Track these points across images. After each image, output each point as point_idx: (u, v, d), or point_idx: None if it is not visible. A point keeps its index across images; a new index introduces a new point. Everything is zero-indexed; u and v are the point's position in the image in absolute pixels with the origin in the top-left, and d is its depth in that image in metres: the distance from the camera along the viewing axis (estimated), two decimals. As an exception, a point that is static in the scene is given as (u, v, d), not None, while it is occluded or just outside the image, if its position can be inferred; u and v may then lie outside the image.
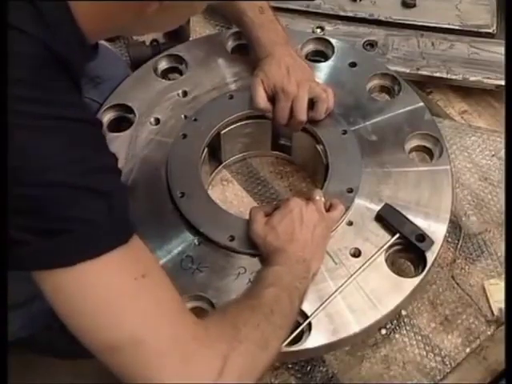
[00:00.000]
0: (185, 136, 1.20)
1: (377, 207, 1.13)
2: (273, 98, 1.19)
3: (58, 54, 0.70)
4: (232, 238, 1.08)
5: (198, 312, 1.06)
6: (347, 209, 1.11)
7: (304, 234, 1.01)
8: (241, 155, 1.38)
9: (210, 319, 0.84)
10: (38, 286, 0.71)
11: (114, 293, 0.71)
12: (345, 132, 1.21)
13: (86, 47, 0.78)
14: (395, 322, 1.16)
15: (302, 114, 1.17)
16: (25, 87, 0.67)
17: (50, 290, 0.71)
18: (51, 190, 0.67)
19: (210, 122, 1.22)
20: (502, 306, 1.16)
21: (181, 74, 1.34)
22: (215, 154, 1.30)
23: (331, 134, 1.21)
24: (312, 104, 1.18)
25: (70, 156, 0.68)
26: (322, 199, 1.08)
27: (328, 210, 1.08)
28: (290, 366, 1.13)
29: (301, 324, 1.02)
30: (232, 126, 1.27)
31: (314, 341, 1.02)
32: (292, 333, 1.01)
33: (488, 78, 1.43)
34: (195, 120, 1.22)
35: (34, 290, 0.90)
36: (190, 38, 1.55)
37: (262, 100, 1.19)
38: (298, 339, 1.02)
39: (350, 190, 1.13)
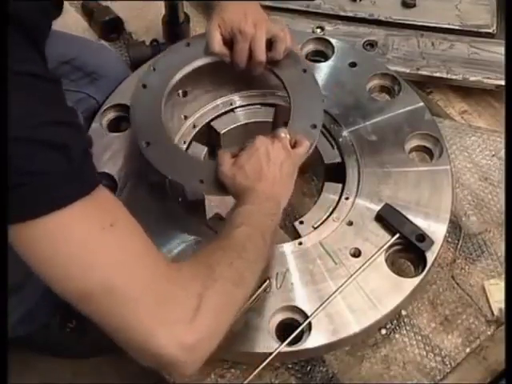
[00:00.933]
0: (145, 86, 1.18)
1: (377, 207, 1.13)
2: (231, 43, 1.17)
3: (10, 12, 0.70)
4: (201, 182, 1.07)
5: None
6: (311, 144, 1.09)
7: (272, 171, 1.01)
8: (241, 155, 1.37)
9: (182, 262, 0.84)
10: (10, 242, 0.71)
11: (81, 242, 0.71)
12: (305, 70, 1.20)
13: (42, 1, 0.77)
14: (395, 321, 1.16)
15: (261, 55, 1.15)
16: None
17: (19, 244, 0.71)
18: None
19: (168, 71, 1.20)
20: (502, 305, 1.16)
21: (181, 73, 1.34)
22: (215, 154, 1.30)
23: (291, 73, 1.19)
24: (270, 44, 1.16)
25: (22, 110, 0.68)
26: (288, 136, 1.07)
27: (293, 146, 1.07)
28: (290, 366, 1.13)
29: (301, 324, 1.02)
30: (232, 126, 1.28)
31: (313, 341, 1.02)
32: (292, 333, 1.01)
33: (488, 77, 1.43)
34: (154, 70, 1.20)
35: (25, 272, 0.91)
36: (190, 38, 1.54)
37: (217, 44, 1.16)
38: (298, 339, 1.02)
39: (314, 126, 1.12)
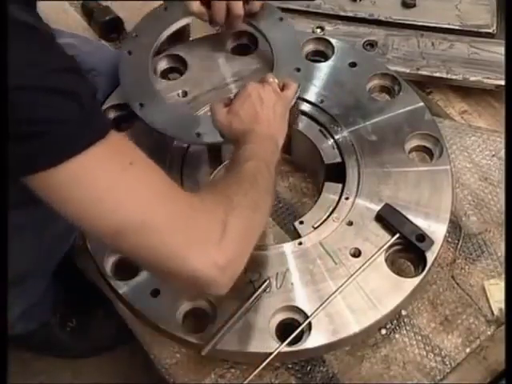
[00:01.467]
0: (130, 52, 1.23)
1: (377, 207, 1.13)
2: (207, 3, 1.20)
3: None
4: (198, 134, 1.11)
5: (198, 312, 1.07)
6: (298, 86, 1.14)
7: (266, 113, 1.05)
8: (241, 155, 1.37)
9: (202, 192, 0.88)
10: (37, 193, 0.73)
11: (105, 183, 0.73)
12: (281, 19, 1.27)
13: None
14: (395, 321, 1.16)
15: (239, 8, 1.20)
16: None
17: (45, 193, 0.73)
18: (14, 95, 0.67)
19: (150, 36, 1.25)
20: (502, 305, 1.16)
21: (181, 74, 1.34)
22: (215, 154, 1.30)
23: (269, 22, 1.26)
24: None
25: (25, 60, 0.68)
26: (276, 80, 1.11)
27: (282, 89, 1.11)
28: (290, 365, 1.13)
29: (301, 324, 1.02)
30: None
31: (314, 341, 1.02)
32: (292, 333, 1.01)
33: (488, 78, 1.43)
34: (136, 36, 1.25)
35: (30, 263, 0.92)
36: (190, 38, 1.54)
37: (195, 5, 1.20)
38: (298, 339, 1.02)
39: (298, 70, 1.20)
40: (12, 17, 0.69)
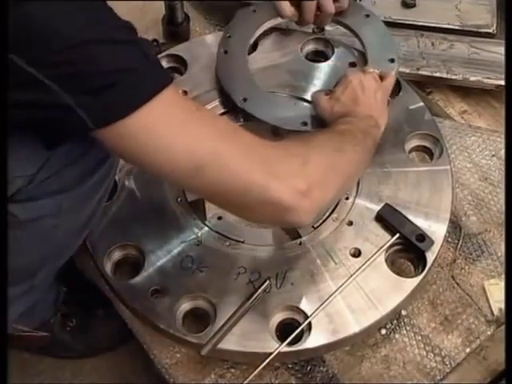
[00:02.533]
0: (226, 52, 1.30)
1: (377, 207, 1.13)
2: (297, 3, 1.24)
3: None
4: (304, 123, 1.17)
5: (198, 312, 1.07)
6: (395, 76, 1.22)
7: (367, 98, 1.10)
8: (241, 155, 1.38)
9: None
10: (108, 146, 0.75)
11: (177, 127, 0.76)
12: (367, 15, 1.33)
13: None
14: (395, 321, 1.16)
15: (330, 6, 1.24)
16: None
17: (121, 144, 0.75)
18: (82, 49, 0.68)
19: (243, 36, 1.31)
20: (502, 305, 1.16)
21: (181, 74, 1.34)
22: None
23: (357, 19, 1.32)
24: None
25: (87, 17, 0.70)
26: (376, 70, 1.18)
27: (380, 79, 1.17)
28: (290, 366, 1.13)
29: (301, 324, 1.02)
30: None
31: (314, 341, 1.02)
32: (292, 333, 1.01)
33: (488, 78, 1.43)
34: (229, 37, 1.31)
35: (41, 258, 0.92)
36: (190, 38, 1.55)
37: (287, 8, 1.23)
38: (298, 339, 1.02)
39: (392, 60, 1.26)
40: None
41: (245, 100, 1.22)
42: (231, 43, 1.31)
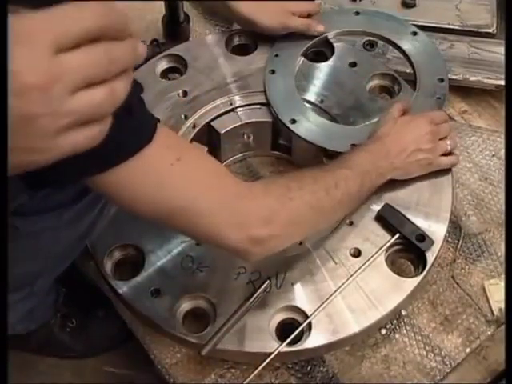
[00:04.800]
0: (273, 71, 1.30)
1: (377, 207, 1.13)
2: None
3: None
4: (354, 146, 1.14)
5: (198, 312, 1.07)
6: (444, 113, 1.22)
7: (411, 150, 1.07)
8: (241, 155, 1.38)
9: (258, 181, 0.96)
10: (98, 190, 0.78)
11: (154, 180, 0.77)
12: (415, 33, 1.33)
13: None
14: (395, 321, 1.16)
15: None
16: None
17: (98, 191, 0.78)
18: None
19: (290, 56, 1.32)
20: (502, 305, 1.16)
21: (181, 74, 1.34)
22: (215, 153, 1.30)
23: (404, 36, 1.33)
24: None
25: None
26: (448, 145, 1.13)
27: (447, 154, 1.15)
28: (290, 365, 1.13)
29: (301, 324, 1.02)
30: (232, 126, 1.28)
31: (314, 341, 1.02)
32: (292, 333, 1.01)
33: (488, 77, 1.43)
34: (277, 56, 1.32)
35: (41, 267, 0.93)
36: (190, 38, 1.55)
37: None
38: (298, 339, 1.02)
39: (441, 80, 1.26)
40: None
41: (294, 121, 1.22)
42: (278, 63, 1.31)
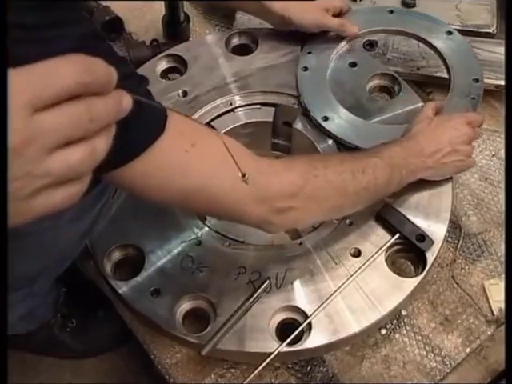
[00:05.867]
0: (306, 68, 1.30)
1: (377, 207, 1.13)
2: None
3: None
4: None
5: (198, 312, 1.07)
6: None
7: (443, 150, 1.06)
8: (241, 155, 1.37)
9: (279, 159, 0.94)
10: (114, 184, 0.81)
11: (170, 169, 0.77)
12: (450, 32, 1.34)
13: None
14: (395, 321, 1.16)
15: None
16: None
17: (115, 185, 0.81)
18: None
19: (322, 53, 1.33)
20: (502, 305, 1.16)
21: (181, 74, 1.34)
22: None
23: (439, 36, 1.34)
24: None
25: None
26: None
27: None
28: (290, 365, 1.13)
29: (301, 324, 1.02)
30: (232, 126, 1.28)
31: (313, 341, 1.02)
32: (292, 333, 1.01)
33: (488, 78, 1.42)
34: (309, 53, 1.33)
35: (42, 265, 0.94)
36: (190, 38, 1.55)
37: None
38: (298, 339, 1.02)
39: (476, 80, 1.25)
40: (72, 34, 0.68)
41: (325, 119, 1.22)
42: (310, 60, 1.32)
